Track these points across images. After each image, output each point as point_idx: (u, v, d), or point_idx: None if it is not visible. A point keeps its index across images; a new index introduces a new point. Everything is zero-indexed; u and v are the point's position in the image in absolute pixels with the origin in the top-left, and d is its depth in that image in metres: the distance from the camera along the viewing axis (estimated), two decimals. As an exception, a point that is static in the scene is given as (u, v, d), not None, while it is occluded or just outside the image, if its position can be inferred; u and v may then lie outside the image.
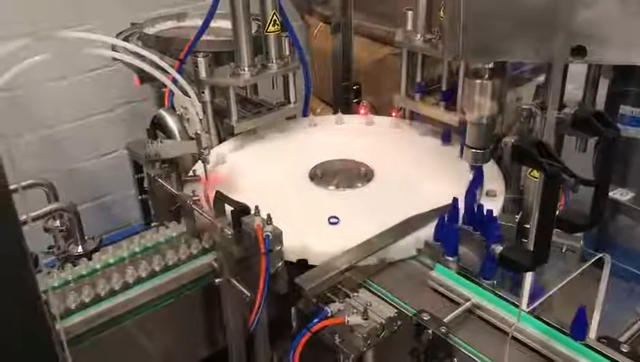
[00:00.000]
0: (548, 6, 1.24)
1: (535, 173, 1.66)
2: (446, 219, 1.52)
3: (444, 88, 2.02)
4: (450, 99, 2.01)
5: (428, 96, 2.10)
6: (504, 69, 1.61)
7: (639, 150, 1.64)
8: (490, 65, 1.52)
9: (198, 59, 1.93)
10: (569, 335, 1.25)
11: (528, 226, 1.60)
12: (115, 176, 3.28)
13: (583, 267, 1.34)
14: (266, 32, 1.99)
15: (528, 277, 1.19)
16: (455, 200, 1.59)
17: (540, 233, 1.01)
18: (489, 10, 1.40)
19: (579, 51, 1.35)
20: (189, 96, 1.73)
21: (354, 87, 2.52)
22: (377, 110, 2.44)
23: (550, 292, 1.28)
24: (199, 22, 2.13)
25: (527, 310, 1.25)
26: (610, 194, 2.31)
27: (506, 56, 1.49)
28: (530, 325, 1.28)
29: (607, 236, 2.31)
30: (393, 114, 2.19)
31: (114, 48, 1.96)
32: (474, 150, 1.62)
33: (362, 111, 2.24)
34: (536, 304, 1.24)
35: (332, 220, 1.66)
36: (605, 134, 1.05)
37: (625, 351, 1.26)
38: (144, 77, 2.48)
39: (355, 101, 2.51)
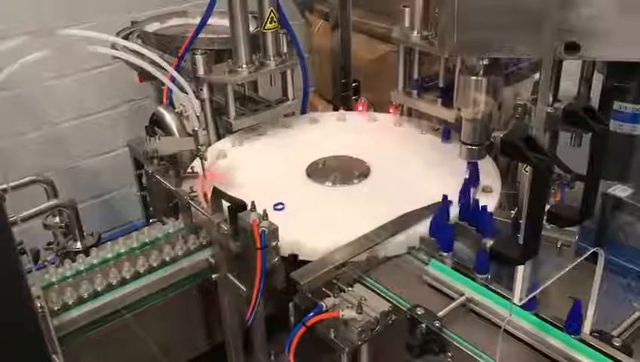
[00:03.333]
0: (541, 2, 1.25)
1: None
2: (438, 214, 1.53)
3: (441, 85, 2.03)
4: (447, 96, 2.01)
5: (425, 92, 2.10)
6: (499, 66, 1.62)
7: (634, 146, 1.64)
8: (485, 62, 1.54)
9: (196, 56, 1.95)
10: (562, 329, 1.26)
11: (523, 221, 1.62)
12: (116, 173, 3.29)
13: (577, 261, 1.35)
14: (264, 29, 2.00)
15: (520, 271, 1.19)
16: (445, 197, 1.60)
17: (529, 226, 1.02)
18: (482, 6, 1.42)
19: (572, 47, 1.36)
20: (187, 94, 1.75)
21: (353, 84, 2.53)
22: (377, 107, 2.45)
23: (543, 287, 1.28)
24: (199, 20, 2.14)
25: (520, 304, 1.26)
26: (610, 190, 2.34)
27: (500, 52, 1.50)
28: (523, 319, 1.29)
29: (607, 233, 2.33)
30: (391, 110, 2.20)
31: (114, 46, 1.99)
32: (468, 146, 1.64)
33: (360, 107, 2.25)
34: (528, 298, 1.25)
35: (277, 206, 1.69)
36: (595, 129, 1.06)
37: (617, 344, 1.27)
38: (145, 75, 2.51)
39: (354, 98, 2.52)
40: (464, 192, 1.67)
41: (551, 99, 1.49)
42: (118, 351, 1.50)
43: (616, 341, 1.29)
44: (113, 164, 3.35)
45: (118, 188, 3.43)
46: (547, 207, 1.22)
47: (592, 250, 1.41)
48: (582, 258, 1.38)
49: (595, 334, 1.32)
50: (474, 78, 1.54)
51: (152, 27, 2.71)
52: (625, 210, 2.33)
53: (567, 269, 1.36)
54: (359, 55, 3.01)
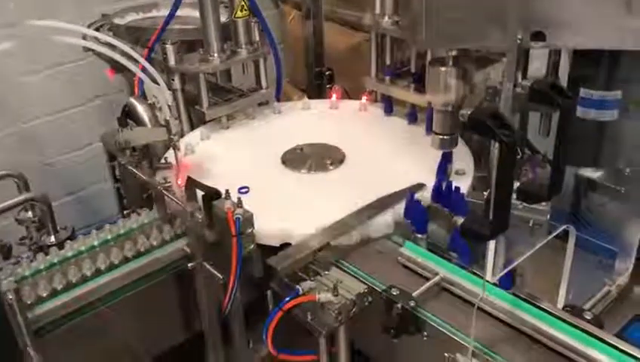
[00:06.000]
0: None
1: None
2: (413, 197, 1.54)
3: (412, 70, 2.04)
4: (419, 81, 2.03)
5: (398, 78, 2.12)
6: (468, 55, 1.64)
7: (601, 131, 1.68)
8: (454, 53, 1.55)
9: (167, 46, 1.93)
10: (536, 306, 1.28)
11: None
12: (91, 169, 3.26)
13: (548, 238, 1.37)
14: (235, 17, 1.99)
15: (491, 249, 1.21)
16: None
17: (498, 202, 1.03)
18: (450, 1, 1.44)
19: (538, 36, 1.39)
20: (158, 84, 1.74)
21: (327, 73, 2.53)
22: (352, 95, 2.46)
23: (515, 263, 1.31)
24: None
25: (493, 281, 1.28)
26: (582, 172, 2.39)
27: (468, 44, 1.53)
28: (496, 296, 1.31)
29: (579, 213, 2.37)
30: (364, 97, 2.21)
31: (84, 38, 1.96)
32: (441, 136, 1.66)
33: (334, 95, 2.26)
34: (501, 275, 1.27)
35: (242, 190, 1.71)
36: (560, 104, 1.08)
37: (588, 318, 1.30)
38: (117, 67, 2.49)
39: (328, 86, 2.52)
40: (438, 175, 1.69)
41: (520, 79, 1.50)
42: (95, 342, 1.49)
43: (587, 314, 1.32)
44: (87, 160, 3.32)
45: (93, 184, 3.39)
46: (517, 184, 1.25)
47: (562, 227, 1.43)
48: (553, 235, 1.41)
49: (568, 308, 1.35)
50: (443, 68, 1.56)
51: (123, 20, 2.69)
52: (596, 191, 2.37)
53: (539, 246, 1.38)
54: (333, 44, 3.01)
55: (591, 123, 1.61)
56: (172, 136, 1.65)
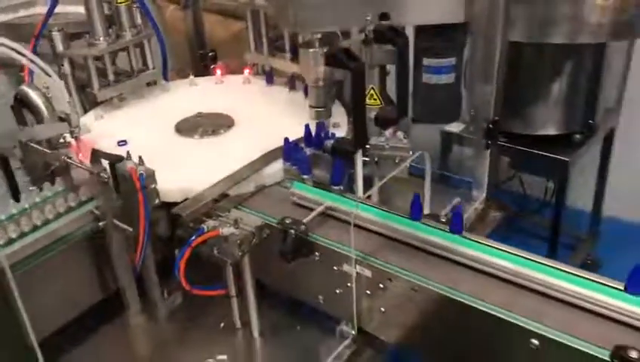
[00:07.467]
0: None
1: (372, 101, 1.98)
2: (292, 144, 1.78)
3: (286, 43, 2.27)
4: (294, 52, 2.26)
5: (276, 50, 2.34)
6: (334, 37, 1.89)
7: (440, 92, 2.00)
8: (319, 36, 1.80)
9: (53, 33, 2.03)
10: (403, 216, 1.56)
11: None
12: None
13: (406, 163, 1.67)
14: (117, 3, 2.13)
15: (359, 170, 1.46)
16: (307, 127, 1.85)
17: (355, 120, 1.28)
18: None
19: (384, 16, 1.68)
20: (50, 76, 1.84)
21: (209, 54, 2.71)
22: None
23: (379, 183, 1.57)
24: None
25: (363, 198, 1.53)
26: (446, 127, 2.78)
27: (330, 27, 1.79)
28: (368, 212, 1.58)
29: (447, 163, 2.75)
30: (246, 71, 2.42)
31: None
32: (316, 109, 1.90)
33: (219, 71, 2.44)
34: (367, 194, 1.53)
35: (121, 143, 1.95)
36: (397, 43, 1.34)
37: (443, 220, 1.60)
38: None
39: (212, 66, 2.70)
40: (317, 128, 1.94)
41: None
42: (11, 308, 1.56)
43: (442, 218, 1.62)
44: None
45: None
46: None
47: (418, 153, 1.73)
48: (412, 158, 1.70)
49: (427, 216, 1.64)
50: (311, 50, 1.80)
51: (16, 14, 2.70)
52: (461, 143, 2.77)
53: (400, 168, 1.67)
54: (214, 34, 3.20)
55: (430, 86, 1.94)
56: (73, 129, 1.77)
